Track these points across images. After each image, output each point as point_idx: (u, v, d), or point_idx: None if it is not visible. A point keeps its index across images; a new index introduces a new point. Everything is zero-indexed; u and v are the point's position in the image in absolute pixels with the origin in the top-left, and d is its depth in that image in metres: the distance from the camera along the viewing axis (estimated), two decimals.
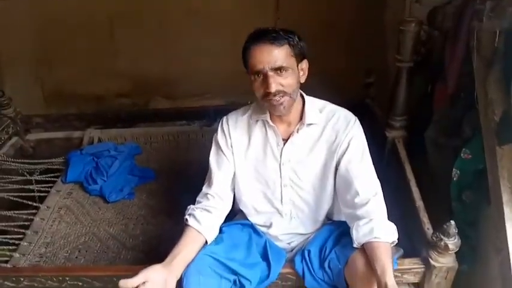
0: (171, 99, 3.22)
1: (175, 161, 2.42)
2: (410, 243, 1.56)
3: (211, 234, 1.32)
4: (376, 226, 1.21)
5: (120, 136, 2.56)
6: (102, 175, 2.18)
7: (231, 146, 1.40)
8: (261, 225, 1.47)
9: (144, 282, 1.10)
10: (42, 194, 2.17)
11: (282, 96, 1.24)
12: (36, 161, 2.39)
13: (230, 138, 1.40)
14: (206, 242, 1.31)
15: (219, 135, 1.42)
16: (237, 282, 1.30)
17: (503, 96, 1.31)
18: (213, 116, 2.58)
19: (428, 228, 1.50)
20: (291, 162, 1.37)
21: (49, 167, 2.37)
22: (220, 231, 1.38)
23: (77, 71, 2.96)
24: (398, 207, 1.32)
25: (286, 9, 2.97)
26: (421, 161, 1.82)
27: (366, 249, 1.20)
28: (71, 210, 2.06)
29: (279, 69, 1.21)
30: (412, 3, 1.70)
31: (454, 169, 1.49)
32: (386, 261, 1.13)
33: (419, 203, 1.58)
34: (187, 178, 2.23)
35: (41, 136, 2.68)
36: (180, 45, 3.02)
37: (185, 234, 1.29)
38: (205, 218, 1.32)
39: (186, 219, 1.32)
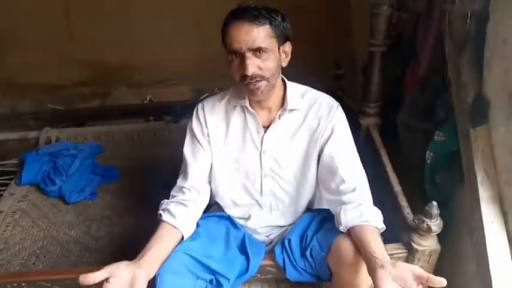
0: (134, 88, 3.09)
1: (140, 159, 2.29)
2: (390, 230, 1.54)
3: (188, 229, 1.23)
4: (365, 210, 1.17)
5: (80, 135, 2.40)
6: (61, 175, 2.02)
7: (208, 135, 1.32)
8: (238, 218, 1.40)
9: (107, 278, 0.97)
10: None
11: (259, 81, 1.16)
12: None
13: (206, 126, 1.31)
14: (182, 237, 1.21)
15: (194, 124, 1.33)
16: (214, 281, 1.23)
17: (476, 78, 1.31)
18: (179, 112, 2.48)
19: (408, 213, 1.49)
20: (272, 150, 1.30)
21: (2, 169, 2.19)
22: (196, 225, 1.28)
23: (30, 58, 2.77)
24: (375, 194, 1.29)
25: None
26: (392, 146, 1.82)
27: (353, 234, 1.14)
28: (27, 214, 1.90)
29: (257, 51, 1.13)
30: None
31: (427, 152, 1.49)
32: (374, 243, 1.07)
33: (398, 188, 1.57)
34: (154, 176, 2.12)
35: None
36: (141, 30, 2.90)
37: (159, 230, 1.18)
38: (181, 213, 1.22)
39: (160, 215, 1.22)
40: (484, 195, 1.23)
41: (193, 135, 1.33)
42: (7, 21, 2.69)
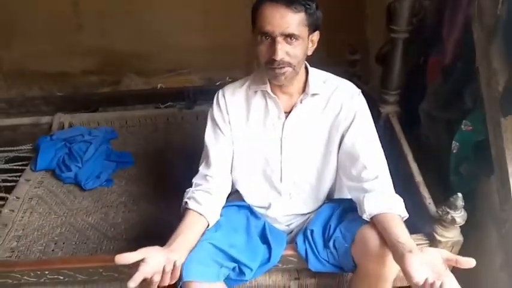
0: (143, 77, 3.07)
1: (154, 145, 2.28)
2: (409, 220, 1.53)
3: (214, 217, 1.23)
4: (388, 198, 1.16)
5: (93, 121, 2.38)
6: (76, 161, 2.01)
7: (229, 122, 1.30)
8: (258, 207, 1.39)
9: (143, 259, 0.98)
10: (9, 184, 1.99)
11: (286, 67, 1.14)
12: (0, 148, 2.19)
13: (228, 113, 1.30)
14: (208, 225, 1.20)
15: (215, 111, 1.32)
16: (237, 269, 1.23)
17: (507, 66, 1.27)
18: (192, 98, 2.45)
19: (429, 203, 1.47)
20: (293, 136, 1.28)
21: (16, 155, 2.18)
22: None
23: (39, 46, 2.75)
24: (395, 183, 1.27)
25: None
26: (412, 135, 1.79)
27: (376, 222, 1.13)
28: (44, 200, 1.89)
29: (289, 37, 1.10)
30: None
31: (454, 141, 1.45)
32: (400, 230, 1.07)
33: (419, 178, 1.55)
34: (168, 162, 2.12)
35: (4, 123, 2.43)
36: (151, 18, 2.88)
37: (186, 217, 1.18)
38: (206, 200, 1.21)
39: (186, 203, 1.21)
40: None
41: (214, 122, 1.32)
42: (14, 11, 2.66)
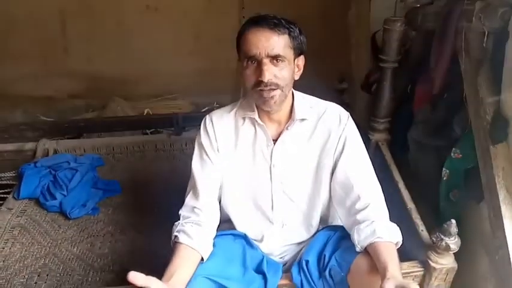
0: (130, 101, 3.07)
1: (142, 172, 2.25)
2: (402, 247, 1.53)
3: (207, 250, 1.18)
4: (378, 227, 1.14)
5: (79, 147, 2.34)
6: (61, 189, 1.96)
7: (218, 149, 1.27)
8: (252, 239, 1.36)
9: None
10: None
11: (274, 89, 1.14)
12: None
13: (216, 139, 1.27)
14: (202, 258, 1.16)
15: (203, 137, 1.28)
16: None
17: (494, 96, 1.32)
18: (181, 124, 2.44)
19: (422, 230, 1.48)
20: (282, 163, 1.27)
21: None
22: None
23: (24, 69, 2.72)
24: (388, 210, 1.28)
25: (251, 8, 2.95)
26: (400, 162, 1.81)
27: (369, 252, 1.13)
28: (26, 230, 1.82)
29: (275, 58, 1.12)
30: (398, 3, 1.70)
31: (443, 169, 1.48)
32: (388, 258, 1.06)
33: (411, 205, 1.56)
34: (156, 190, 2.09)
35: None
36: (138, 43, 2.92)
37: (179, 252, 1.13)
38: (197, 233, 1.17)
39: (176, 236, 1.17)
40: (507, 213, 1.22)
41: (202, 149, 1.28)
42: None
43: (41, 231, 1.83)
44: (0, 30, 2.60)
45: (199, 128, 1.31)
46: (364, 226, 1.16)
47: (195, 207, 1.24)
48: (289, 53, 1.14)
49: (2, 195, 2.03)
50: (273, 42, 1.11)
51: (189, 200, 1.27)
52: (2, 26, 2.59)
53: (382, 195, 1.26)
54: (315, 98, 1.32)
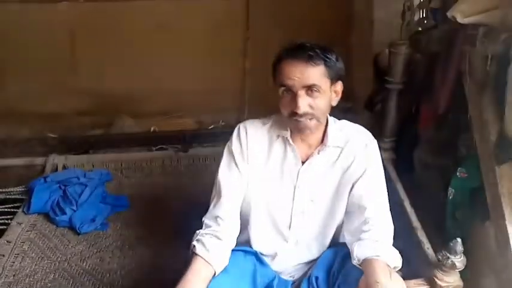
0: (137, 118, 3.10)
1: (150, 187, 2.27)
2: (407, 264, 1.55)
3: (221, 264, 1.19)
4: (380, 246, 1.16)
5: (87, 162, 2.37)
6: (71, 204, 1.98)
7: (247, 159, 1.27)
8: (264, 255, 1.37)
9: None
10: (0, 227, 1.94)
11: (310, 119, 1.16)
12: None
13: (247, 148, 1.27)
14: (214, 273, 1.18)
15: (234, 144, 1.27)
16: None
17: (498, 118, 1.36)
18: (188, 141, 2.48)
19: (428, 248, 1.50)
20: (306, 185, 1.28)
21: (7, 197, 2.14)
22: None
23: (32, 86, 2.77)
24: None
25: (256, 29, 3.02)
26: (406, 181, 1.84)
27: (363, 267, 1.14)
28: (36, 244, 1.84)
29: (310, 89, 1.13)
30: (403, 27, 1.76)
31: (449, 188, 1.52)
32: (382, 274, 1.07)
33: (417, 224, 1.59)
34: (164, 206, 2.12)
35: None
36: (146, 62, 2.97)
37: (193, 264, 1.15)
38: (215, 247, 1.18)
39: (194, 246, 1.18)
40: None
41: (231, 156, 1.28)
42: (9, 50, 2.69)
43: (51, 246, 1.85)
44: (10, 48, 2.64)
45: (232, 135, 1.30)
46: (366, 242, 1.18)
47: (217, 216, 1.24)
48: (325, 83, 1.15)
49: (12, 210, 2.05)
50: (308, 75, 1.12)
51: (212, 208, 1.27)
52: (11, 45, 2.64)
53: (392, 224, 1.27)
54: (344, 120, 1.33)
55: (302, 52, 1.13)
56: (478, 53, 1.40)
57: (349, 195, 1.29)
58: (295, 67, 1.13)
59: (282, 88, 1.16)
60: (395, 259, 1.18)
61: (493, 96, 1.38)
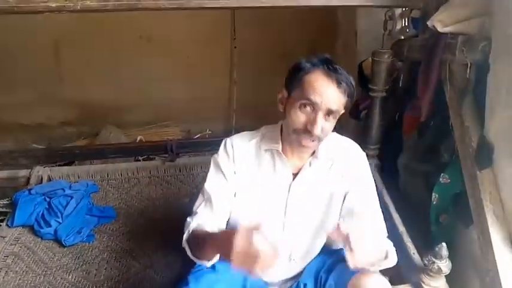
0: (122, 128, 3.10)
1: (136, 198, 2.25)
2: (394, 270, 1.57)
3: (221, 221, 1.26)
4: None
5: (73, 174, 2.34)
6: (56, 216, 1.95)
7: (234, 173, 1.27)
8: None
9: None
10: None
11: (314, 141, 1.15)
12: None
13: (234, 162, 1.27)
14: None
15: (221, 157, 1.28)
16: None
17: (478, 124, 1.39)
18: (175, 151, 2.47)
19: (414, 253, 1.52)
20: (298, 198, 1.28)
21: None
22: (214, 268, 1.24)
23: (16, 97, 2.75)
24: None
25: (242, 39, 3.05)
26: (390, 186, 1.87)
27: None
28: (20, 258, 1.80)
29: (329, 113, 1.12)
30: (385, 36, 1.80)
31: (433, 193, 1.54)
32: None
33: (402, 229, 1.61)
34: (151, 216, 2.10)
35: None
36: (131, 71, 2.99)
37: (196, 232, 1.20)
38: (209, 217, 1.24)
39: (188, 231, 1.22)
40: (496, 236, 1.27)
41: (218, 167, 1.27)
42: None
43: (36, 259, 1.81)
44: None
45: (219, 149, 1.30)
46: None
47: (206, 213, 1.25)
48: (341, 109, 1.15)
49: None
50: (335, 99, 1.11)
51: (198, 208, 1.27)
52: None
53: (386, 231, 1.31)
54: (333, 133, 1.30)
55: (335, 73, 1.11)
56: (458, 60, 1.43)
57: (341, 206, 1.30)
58: (327, 87, 1.10)
59: (303, 101, 1.12)
60: (390, 257, 1.20)
61: (473, 103, 1.42)
